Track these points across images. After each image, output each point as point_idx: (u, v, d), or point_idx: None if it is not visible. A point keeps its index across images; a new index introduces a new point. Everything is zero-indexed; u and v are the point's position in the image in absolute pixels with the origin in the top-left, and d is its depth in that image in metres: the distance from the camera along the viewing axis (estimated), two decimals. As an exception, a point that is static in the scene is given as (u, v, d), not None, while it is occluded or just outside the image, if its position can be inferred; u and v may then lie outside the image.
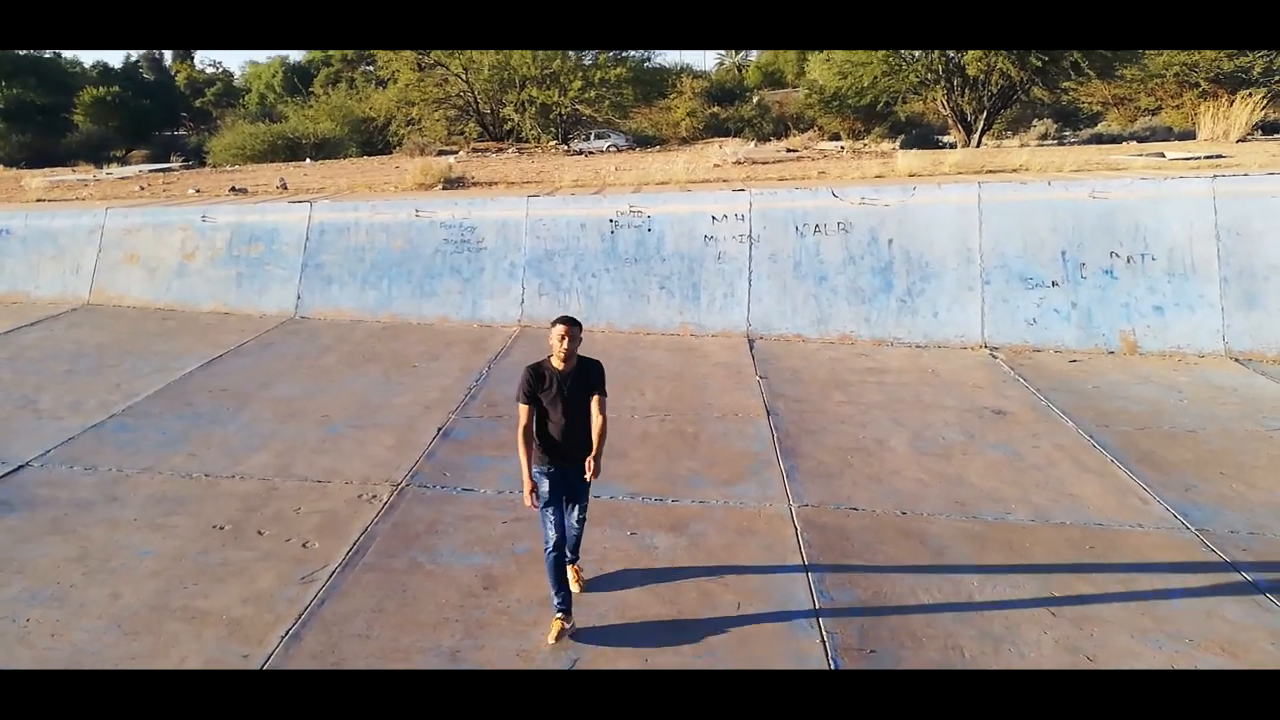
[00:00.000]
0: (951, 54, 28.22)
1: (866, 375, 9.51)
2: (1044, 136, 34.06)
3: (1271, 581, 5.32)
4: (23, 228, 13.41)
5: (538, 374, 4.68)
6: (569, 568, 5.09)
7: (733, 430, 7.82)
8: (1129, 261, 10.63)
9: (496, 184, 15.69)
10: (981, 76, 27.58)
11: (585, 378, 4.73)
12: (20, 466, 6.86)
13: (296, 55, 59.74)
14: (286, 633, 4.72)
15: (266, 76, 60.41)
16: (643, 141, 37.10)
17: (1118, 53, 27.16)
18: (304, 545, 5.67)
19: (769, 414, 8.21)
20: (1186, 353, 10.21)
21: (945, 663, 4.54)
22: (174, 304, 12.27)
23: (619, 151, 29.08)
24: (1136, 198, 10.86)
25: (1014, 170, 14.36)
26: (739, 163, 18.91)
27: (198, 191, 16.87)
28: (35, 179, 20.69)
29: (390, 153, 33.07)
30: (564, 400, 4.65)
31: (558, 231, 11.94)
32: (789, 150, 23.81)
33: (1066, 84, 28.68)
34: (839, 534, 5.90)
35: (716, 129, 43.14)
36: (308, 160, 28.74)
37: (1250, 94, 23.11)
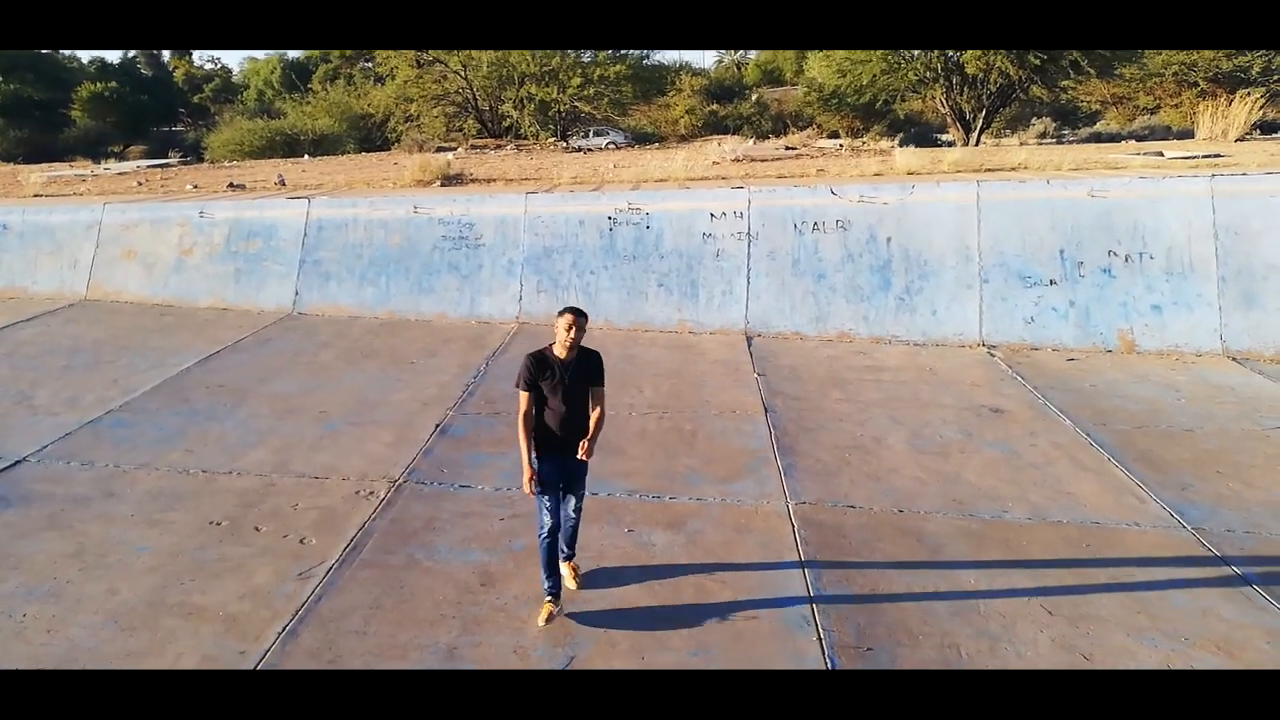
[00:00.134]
0: (950, 53, 28.21)
1: (864, 373, 9.52)
2: (1043, 135, 34.07)
3: (1268, 580, 5.33)
4: (20, 223, 13.38)
5: (539, 361, 4.75)
6: (566, 565, 5.13)
7: (731, 428, 7.82)
8: (1127, 260, 10.63)
9: (495, 181, 15.68)
10: (980, 75, 27.59)
11: (585, 367, 4.81)
12: (17, 462, 6.85)
13: (295, 52, 59.69)
14: (283, 629, 4.72)
15: (265, 73, 60.35)
16: (641, 139, 37.08)
17: (1117, 52, 27.17)
18: (301, 541, 5.67)
19: (767, 411, 8.21)
20: (1184, 352, 10.22)
21: (942, 661, 4.54)
22: (171, 300, 12.25)
23: (618, 149, 29.05)
24: (1135, 197, 10.87)
25: (1013, 169, 14.37)
26: (737, 160, 18.91)
27: (196, 187, 16.84)
28: (33, 174, 20.66)
29: (388, 149, 33.07)
30: (564, 388, 4.72)
31: (556, 228, 11.93)
32: (788, 148, 23.81)
33: (1065, 83, 28.71)
34: (836, 532, 5.91)
35: (715, 126, 43.11)
36: (306, 156, 28.71)
37: (1249, 93, 23.14)
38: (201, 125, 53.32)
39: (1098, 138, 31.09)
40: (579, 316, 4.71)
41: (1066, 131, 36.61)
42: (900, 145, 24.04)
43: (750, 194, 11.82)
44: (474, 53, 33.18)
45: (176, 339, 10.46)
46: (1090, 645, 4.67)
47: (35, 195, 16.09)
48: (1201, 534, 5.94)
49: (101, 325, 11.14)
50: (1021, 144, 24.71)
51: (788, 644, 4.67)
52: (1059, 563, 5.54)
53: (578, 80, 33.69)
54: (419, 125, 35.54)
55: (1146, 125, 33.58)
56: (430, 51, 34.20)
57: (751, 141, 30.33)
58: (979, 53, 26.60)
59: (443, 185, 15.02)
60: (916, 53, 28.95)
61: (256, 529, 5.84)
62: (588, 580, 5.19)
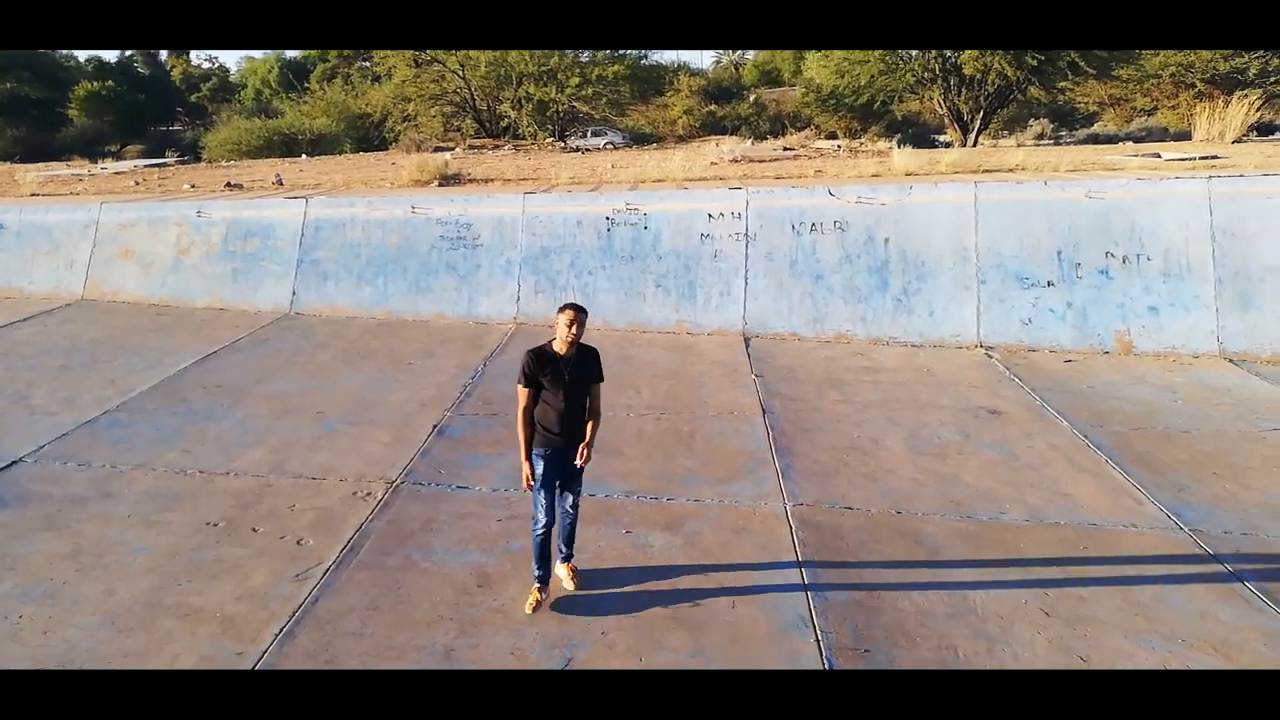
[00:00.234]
0: (948, 54, 28.26)
1: (862, 374, 9.52)
2: (1040, 136, 34.14)
3: (1264, 582, 5.33)
4: (17, 222, 13.35)
5: (540, 357, 4.78)
6: (564, 566, 5.15)
7: (728, 429, 7.82)
8: (1124, 262, 10.65)
9: (493, 181, 15.67)
10: (978, 76, 27.63)
11: (585, 363, 4.85)
12: (13, 462, 6.83)
13: (293, 52, 59.63)
14: (280, 630, 4.71)
15: (262, 72, 60.26)
16: (639, 139, 37.10)
17: (1114, 53, 27.23)
18: (298, 542, 5.66)
19: (765, 412, 8.21)
20: (1181, 353, 10.24)
21: (939, 662, 4.55)
22: (169, 299, 12.23)
23: (616, 149, 29.06)
24: (1132, 198, 10.89)
25: (1010, 170, 14.38)
26: (735, 161, 18.91)
27: (193, 187, 16.82)
28: (29, 173, 20.60)
29: (386, 149, 33.02)
30: (564, 385, 4.76)
31: (554, 229, 11.92)
32: (785, 149, 23.81)
33: (1063, 84, 28.77)
34: (834, 533, 5.91)
35: (713, 127, 43.15)
36: (303, 156, 28.67)
37: (1246, 95, 23.20)
38: (199, 125, 53.21)
39: (1095, 139, 31.15)
40: (580, 312, 4.75)
41: (1064, 133, 36.69)
42: (898, 146, 24.06)
43: (748, 195, 11.82)
44: (472, 52, 33.14)
45: (174, 339, 10.44)
46: (1088, 647, 4.68)
47: (32, 194, 16.05)
48: (1198, 535, 5.95)
49: (98, 325, 11.12)
50: (1019, 145, 24.76)
51: (785, 645, 4.67)
52: (1056, 564, 5.55)
53: (576, 80, 33.68)
54: (417, 125, 35.51)
55: (1144, 127, 33.65)
56: (428, 51, 34.16)
57: (749, 142, 30.34)
58: (976, 54, 26.63)
59: (440, 185, 15.01)
60: (914, 54, 29.00)
61: (253, 530, 5.83)
62: (586, 581, 5.19)
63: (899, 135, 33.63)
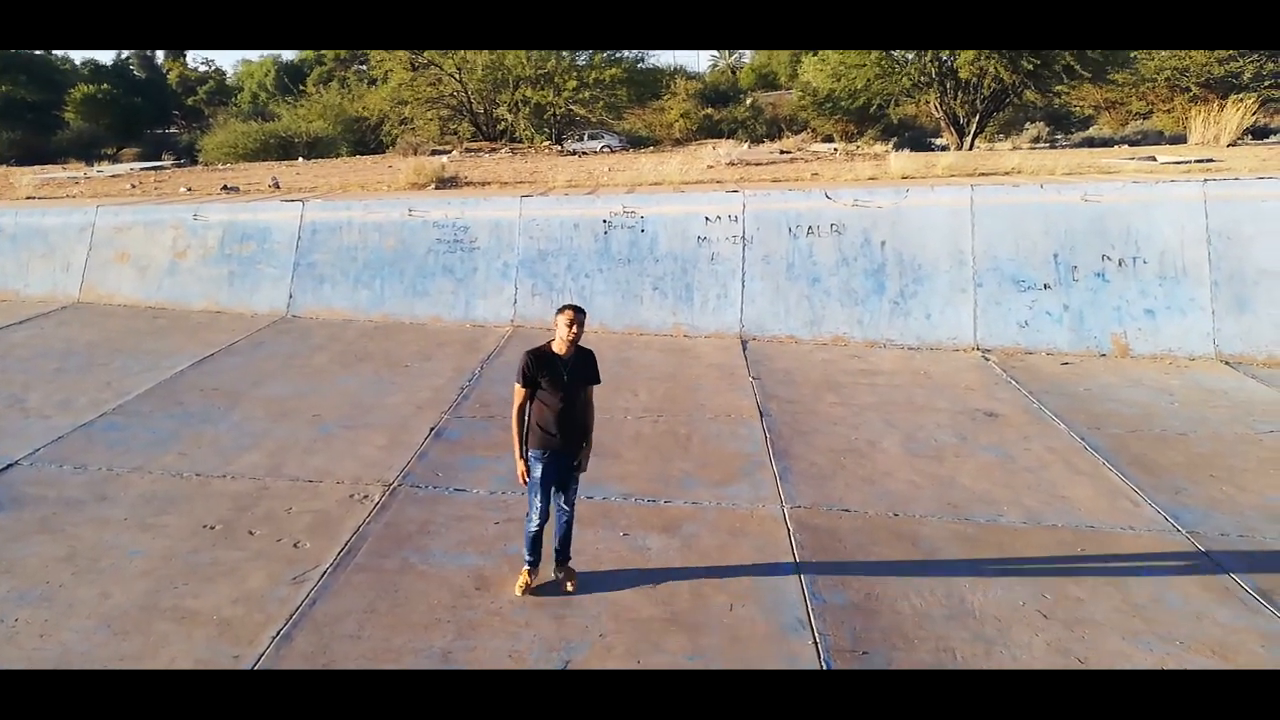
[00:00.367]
0: (944, 57, 28.35)
1: (859, 377, 9.53)
2: (1036, 140, 34.17)
3: (1261, 584, 5.34)
4: (12, 225, 13.32)
5: (539, 358, 4.80)
6: (561, 568, 5.17)
7: (725, 431, 7.82)
8: (1121, 265, 10.67)
9: (490, 184, 15.67)
10: (974, 79, 27.72)
11: (583, 365, 4.89)
12: (9, 465, 6.80)
13: (289, 54, 59.61)
14: (277, 633, 4.70)
15: (259, 75, 60.21)
16: (636, 142, 37.11)
17: (1109, 56, 27.31)
18: (295, 545, 5.65)
19: (762, 415, 8.21)
20: (1178, 356, 10.26)
21: (937, 664, 4.54)
22: (165, 302, 12.21)
23: (613, 152, 29.07)
24: (1128, 201, 10.91)
25: (1006, 173, 14.41)
26: (732, 164, 18.94)
27: (189, 190, 16.80)
28: (25, 176, 20.56)
29: (383, 152, 32.96)
30: (563, 385, 4.78)
31: (551, 232, 11.93)
32: (782, 152, 23.86)
33: (1059, 87, 28.84)
34: (831, 535, 5.91)
35: (710, 130, 43.19)
36: (300, 159, 28.64)
37: (1241, 99, 23.28)
38: (195, 128, 53.21)
39: (1090, 142, 31.21)
40: (579, 313, 4.78)
41: (1059, 136, 36.76)
42: (895, 149, 24.12)
43: (745, 198, 11.83)
44: (469, 55, 33.16)
45: (170, 342, 10.42)
46: (1085, 649, 4.68)
47: (28, 198, 16.02)
48: (1195, 537, 5.96)
49: (94, 328, 11.09)
50: (1015, 148, 24.78)
51: (783, 647, 4.67)
52: (1054, 566, 5.55)
53: (573, 83, 33.68)
54: (413, 128, 35.45)
55: (1139, 130, 33.73)
56: (425, 54, 34.16)
57: (746, 145, 30.41)
58: (972, 57, 26.71)
59: (437, 188, 15.00)
60: (910, 57, 29.08)
61: (250, 533, 5.81)
62: (583, 584, 5.18)
63: (895, 139, 33.72)
